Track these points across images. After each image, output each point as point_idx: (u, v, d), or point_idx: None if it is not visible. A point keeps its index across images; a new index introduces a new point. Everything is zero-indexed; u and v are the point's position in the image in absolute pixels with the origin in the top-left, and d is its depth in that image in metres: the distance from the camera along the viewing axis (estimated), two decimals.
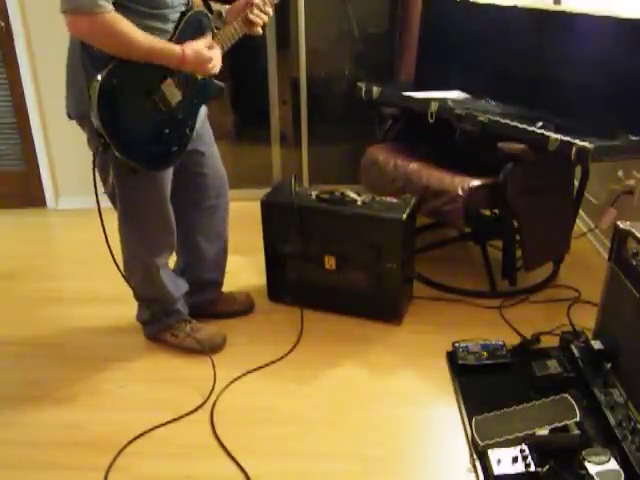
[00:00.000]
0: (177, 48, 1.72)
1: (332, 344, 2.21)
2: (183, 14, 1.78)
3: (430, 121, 2.49)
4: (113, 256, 1.91)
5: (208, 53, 1.78)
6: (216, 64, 1.82)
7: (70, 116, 1.84)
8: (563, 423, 1.65)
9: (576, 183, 2.53)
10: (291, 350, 2.17)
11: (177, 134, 1.85)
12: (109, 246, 1.89)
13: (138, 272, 2.06)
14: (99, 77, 1.63)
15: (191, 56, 1.74)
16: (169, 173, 1.94)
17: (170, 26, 1.77)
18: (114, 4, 1.61)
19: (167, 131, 1.81)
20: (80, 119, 1.81)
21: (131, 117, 1.73)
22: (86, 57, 1.67)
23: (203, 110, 2.00)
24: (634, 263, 1.74)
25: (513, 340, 2.14)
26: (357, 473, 1.66)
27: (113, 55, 1.64)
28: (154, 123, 1.78)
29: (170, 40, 1.75)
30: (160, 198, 1.94)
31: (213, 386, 1.99)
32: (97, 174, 1.85)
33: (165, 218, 1.99)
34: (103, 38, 1.62)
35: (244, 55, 3.39)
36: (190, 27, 1.79)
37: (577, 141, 2.03)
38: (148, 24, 1.71)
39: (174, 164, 1.91)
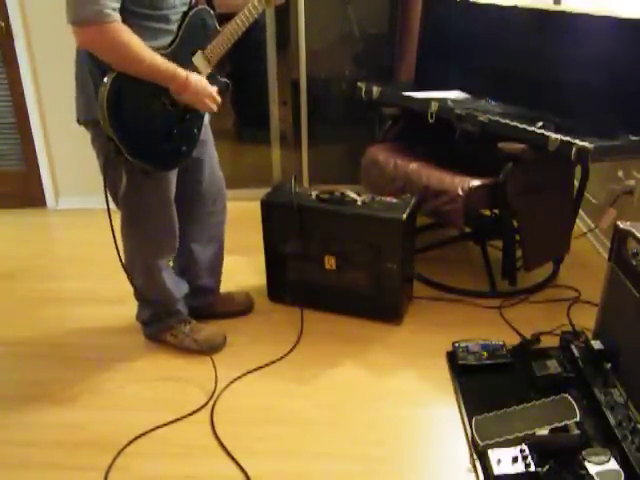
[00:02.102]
0: (182, 72, 1.72)
1: (332, 344, 2.21)
2: (186, 13, 1.78)
3: (430, 121, 2.49)
4: (120, 255, 1.92)
5: (210, 89, 1.79)
6: (214, 103, 1.83)
7: (79, 121, 1.84)
8: (563, 423, 1.65)
9: (576, 183, 2.53)
10: (291, 350, 2.17)
11: (186, 134, 1.86)
12: (117, 246, 1.90)
13: (140, 272, 2.06)
14: (106, 80, 1.63)
15: (194, 85, 1.74)
16: (174, 174, 1.94)
17: (173, 26, 1.77)
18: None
19: (176, 131, 1.82)
20: (88, 124, 1.81)
21: (140, 119, 1.73)
22: (93, 65, 1.67)
23: (205, 117, 2.01)
24: (634, 263, 1.74)
25: (513, 340, 2.14)
26: (357, 473, 1.66)
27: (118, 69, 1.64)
28: (163, 124, 1.79)
29: (174, 40, 1.75)
30: (165, 200, 1.94)
31: (215, 386, 1.99)
32: (105, 178, 1.85)
33: (168, 220, 1.99)
34: (108, 48, 1.61)
35: (244, 55, 3.39)
36: (194, 25, 1.79)
37: (577, 141, 2.03)
38: (150, 25, 1.71)
39: (184, 163, 1.92)
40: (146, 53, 1.64)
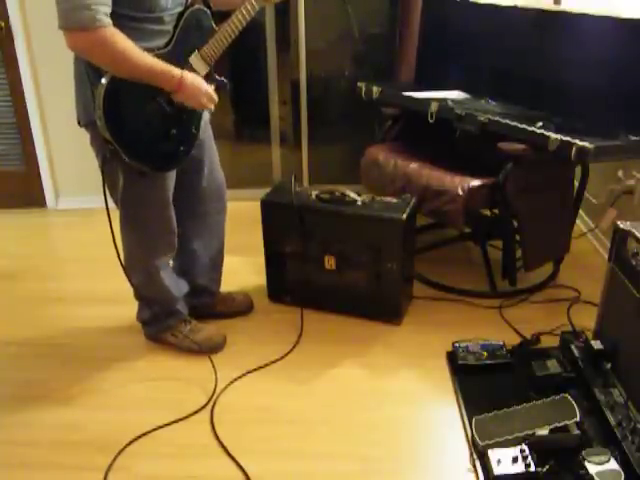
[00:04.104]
0: (176, 70, 1.71)
1: (332, 344, 2.21)
2: (181, 14, 1.78)
3: (430, 121, 2.49)
4: (119, 255, 1.92)
5: (206, 87, 1.78)
6: (211, 102, 1.82)
7: (80, 123, 1.84)
8: (563, 423, 1.65)
9: (576, 183, 2.53)
10: (291, 350, 2.17)
11: (184, 133, 1.86)
12: (116, 246, 1.90)
13: (138, 272, 2.06)
14: (104, 81, 1.63)
15: (189, 83, 1.73)
16: (172, 174, 1.94)
17: (168, 27, 1.76)
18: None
19: (174, 132, 1.82)
20: (87, 125, 1.81)
21: (137, 120, 1.73)
22: (89, 65, 1.67)
23: (205, 115, 2.00)
24: (634, 263, 1.74)
25: (513, 340, 2.14)
26: (357, 473, 1.66)
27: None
28: (160, 124, 1.78)
29: (170, 40, 1.75)
30: (163, 200, 1.94)
31: (215, 386, 1.99)
32: (104, 178, 1.85)
33: (167, 220, 1.99)
34: (101, 53, 1.60)
35: (244, 55, 3.39)
36: (189, 26, 1.78)
37: (577, 141, 2.02)
38: (144, 27, 1.70)
39: (183, 163, 1.91)
40: (139, 56, 1.63)
